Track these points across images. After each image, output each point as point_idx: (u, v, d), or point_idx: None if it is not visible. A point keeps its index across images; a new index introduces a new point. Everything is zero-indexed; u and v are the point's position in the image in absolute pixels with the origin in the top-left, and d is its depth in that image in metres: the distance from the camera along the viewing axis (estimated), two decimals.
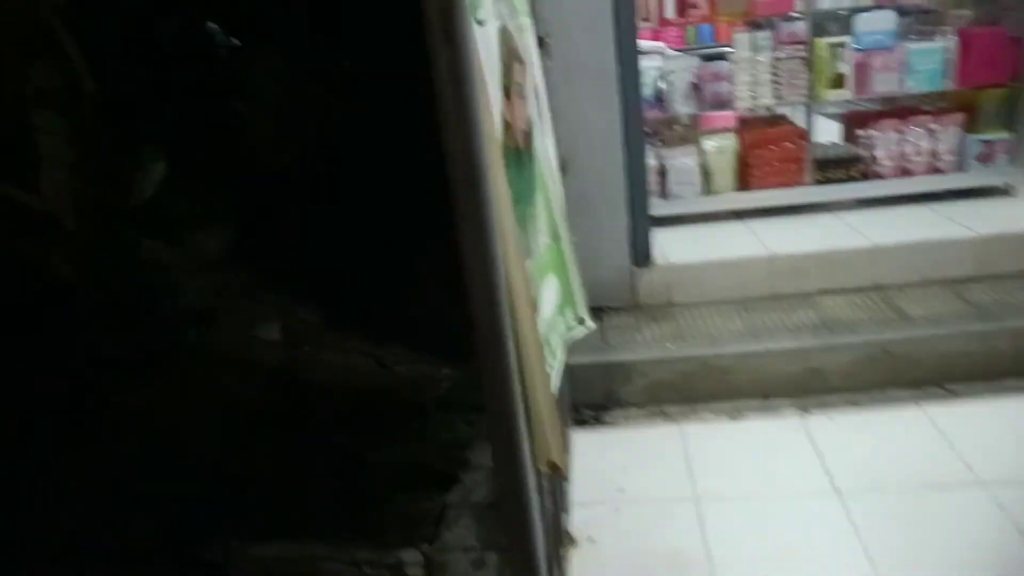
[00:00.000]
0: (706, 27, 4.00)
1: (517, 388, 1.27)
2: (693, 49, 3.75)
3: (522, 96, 1.53)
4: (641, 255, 3.18)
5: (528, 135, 1.59)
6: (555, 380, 1.69)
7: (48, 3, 3.19)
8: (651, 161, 3.56)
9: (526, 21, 1.64)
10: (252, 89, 6.04)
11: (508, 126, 1.44)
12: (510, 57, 1.42)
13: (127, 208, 3.72)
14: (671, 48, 3.80)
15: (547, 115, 2.18)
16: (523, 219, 1.59)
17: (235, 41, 6.94)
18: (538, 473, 1.45)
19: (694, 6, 3.37)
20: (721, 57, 3.56)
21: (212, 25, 7.07)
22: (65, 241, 3.54)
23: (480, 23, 1.23)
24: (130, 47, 4.59)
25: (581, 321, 2.04)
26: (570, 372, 2.56)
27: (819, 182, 3.63)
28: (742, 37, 3.44)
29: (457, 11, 0.99)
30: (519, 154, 1.54)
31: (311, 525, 2.66)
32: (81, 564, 2.43)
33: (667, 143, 3.64)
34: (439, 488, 2.91)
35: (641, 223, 3.14)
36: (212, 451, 3.08)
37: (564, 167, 2.41)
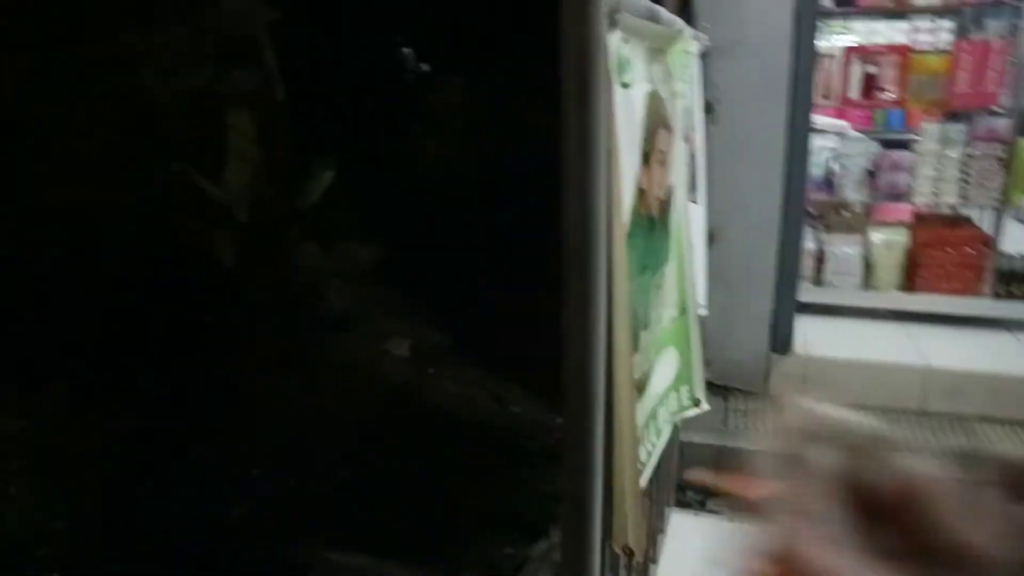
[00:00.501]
0: (896, 112, 3.75)
1: (599, 465, 1.20)
2: (876, 133, 3.52)
3: (664, 163, 1.47)
4: (781, 340, 3.00)
5: (665, 204, 1.53)
6: (654, 459, 1.60)
7: (262, 18, 3.49)
8: (809, 244, 3.35)
9: (683, 87, 1.59)
10: (430, 114, 6.33)
11: (643, 193, 1.39)
12: (655, 123, 1.38)
13: (293, 209, 3.97)
14: (853, 129, 3.59)
15: (702, 183, 2.10)
16: (646, 289, 1.53)
17: (424, 67, 7.31)
18: (612, 552, 1.37)
19: (882, 88, 3.16)
20: (904, 146, 3.32)
21: (406, 49, 7.49)
22: (236, 230, 3.82)
23: (626, 86, 1.19)
24: (325, 63, 4.93)
25: (696, 402, 1.93)
26: (681, 449, 2.43)
27: (1000, 296, 3.28)
28: (932, 128, 3.19)
29: (594, 72, 0.96)
30: (652, 223, 1.48)
31: (394, 546, 2.67)
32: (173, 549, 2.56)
33: (830, 228, 3.43)
34: (526, 538, 2.85)
35: (786, 307, 2.96)
36: (320, 455, 3.18)
37: (712, 238, 2.32)
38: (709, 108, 2.35)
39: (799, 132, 2.77)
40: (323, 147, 4.01)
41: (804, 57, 2.70)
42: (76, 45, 3.75)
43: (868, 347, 3.13)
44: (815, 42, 2.76)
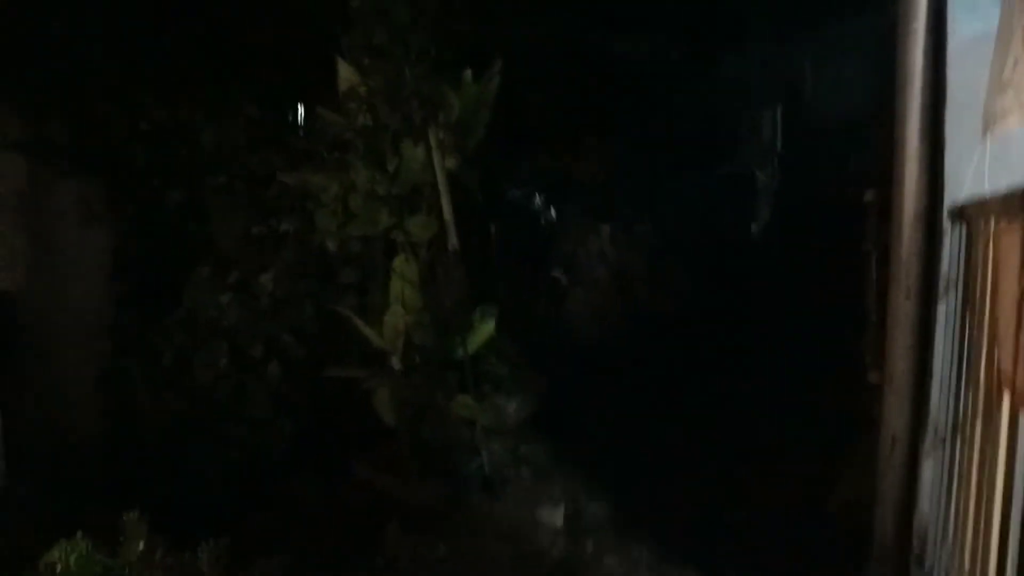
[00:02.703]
0: None
1: None
2: None
3: None
4: None
5: None
6: None
7: (442, 165, 3.44)
8: None
9: None
10: (569, 260, 6.21)
11: None
12: None
13: (451, 360, 3.76)
14: None
15: None
16: None
17: (553, 212, 7.34)
18: None
19: None
20: None
21: (539, 199, 7.54)
22: (391, 380, 3.63)
23: None
24: (487, 213, 4.91)
25: None
26: None
27: None
28: None
29: None
30: None
31: None
32: None
33: None
34: None
35: None
36: None
37: None
38: None
39: None
40: (487, 297, 3.85)
41: None
42: (259, 187, 3.81)
43: None
44: None
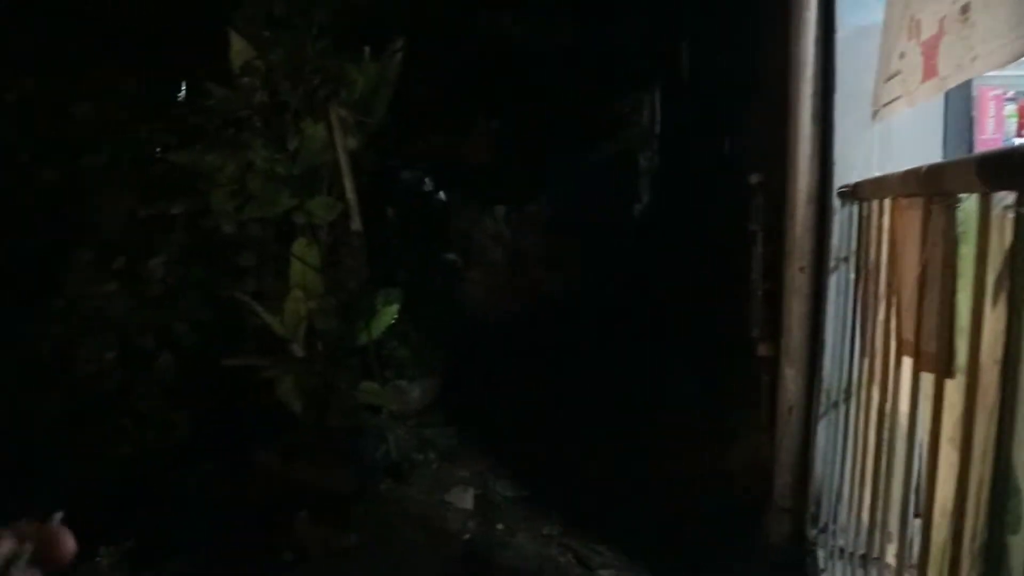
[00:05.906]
0: None
1: None
2: None
3: None
4: None
5: None
6: None
7: (344, 144, 3.35)
8: None
9: None
10: (465, 242, 6.21)
11: None
12: None
13: (354, 346, 3.69)
14: None
15: None
16: None
17: (441, 195, 7.32)
18: None
19: None
20: None
21: (433, 180, 7.47)
22: (294, 368, 3.52)
23: None
24: (383, 195, 4.82)
25: None
26: None
27: None
28: None
29: None
30: None
31: None
32: None
33: None
34: None
35: None
36: None
37: None
38: None
39: None
40: (387, 280, 3.79)
41: None
42: (145, 167, 3.58)
43: None
44: None
